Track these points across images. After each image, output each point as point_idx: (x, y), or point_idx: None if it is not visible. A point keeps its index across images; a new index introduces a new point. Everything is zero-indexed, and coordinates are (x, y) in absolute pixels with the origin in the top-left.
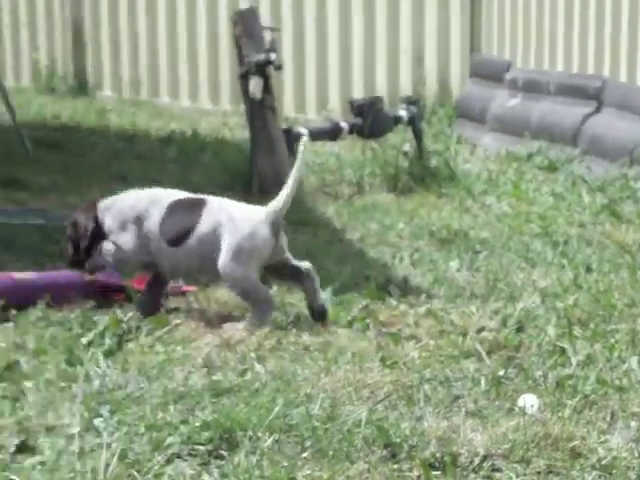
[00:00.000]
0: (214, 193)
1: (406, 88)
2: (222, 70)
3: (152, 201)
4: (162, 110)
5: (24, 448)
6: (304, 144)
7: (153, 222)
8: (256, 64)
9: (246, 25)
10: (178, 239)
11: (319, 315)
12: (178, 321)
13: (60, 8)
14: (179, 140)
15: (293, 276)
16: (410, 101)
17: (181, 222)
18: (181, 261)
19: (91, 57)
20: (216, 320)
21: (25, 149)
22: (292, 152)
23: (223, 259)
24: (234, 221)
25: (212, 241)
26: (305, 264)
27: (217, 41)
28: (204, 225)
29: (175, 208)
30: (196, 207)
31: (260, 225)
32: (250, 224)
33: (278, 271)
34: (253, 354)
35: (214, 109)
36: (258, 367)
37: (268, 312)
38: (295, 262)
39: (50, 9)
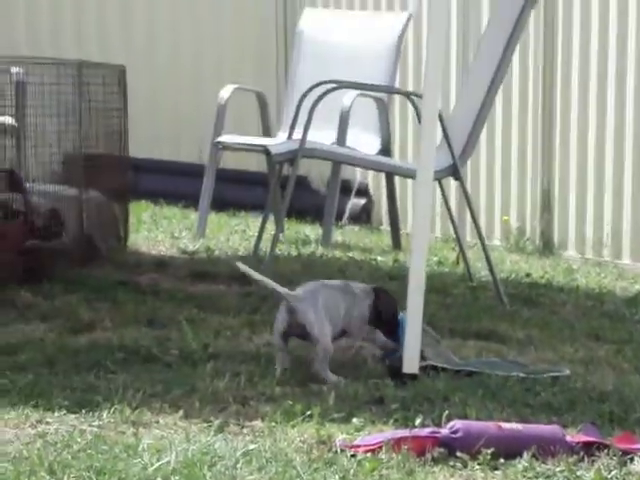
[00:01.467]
0: None
1: None
2: None
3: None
4: (625, 271)
5: None
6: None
7: None
8: None
9: None
10: None
11: None
12: None
13: (532, 177)
14: None
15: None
16: None
17: None
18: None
19: (557, 219)
20: None
21: (502, 304)
22: None
23: None
24: None
25: None
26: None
27: None
28: None
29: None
30: None
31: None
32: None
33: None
34: None
35: None
36: None
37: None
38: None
39: (522, 178)
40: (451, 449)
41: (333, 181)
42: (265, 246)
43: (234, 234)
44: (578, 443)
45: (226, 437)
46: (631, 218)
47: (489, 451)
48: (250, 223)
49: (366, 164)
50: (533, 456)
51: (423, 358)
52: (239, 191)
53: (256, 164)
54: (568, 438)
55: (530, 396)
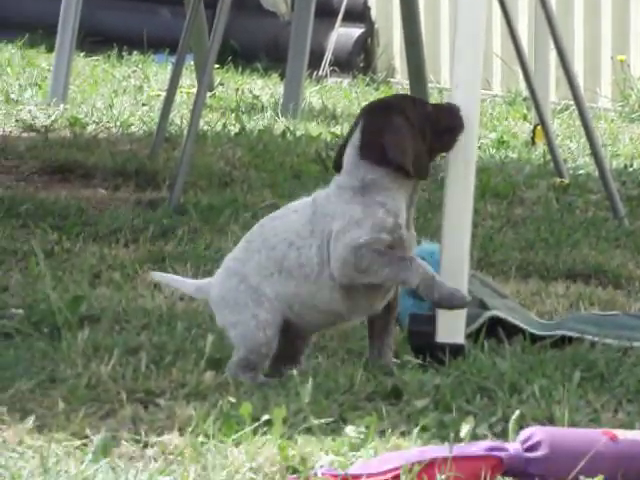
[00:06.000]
0: None
1: None
2: None
3: None
4: None
5: None
6: None
7: None
8: None
9: None
10: None
11: None
12: None
13: None
14: None
15: None
16: None
17: None
18: None
19: None
20: None
21: (617, 217)
22: None
23: None
24: None
25: None
26: None
27: None
28: None
29: None
30: None
31: None
32: None
33: None
34: None
35: None
36: None
37: None
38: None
39: None
40: (526, 478)
41: None
42: (181, 115)
43: (122, 94)
44: None
45: (115, 465)
46: None
47: None
48: (151, 73)
49: None
50: None
51: (483, 307)
52: (129, 15)
53: None
54: None
55: None
